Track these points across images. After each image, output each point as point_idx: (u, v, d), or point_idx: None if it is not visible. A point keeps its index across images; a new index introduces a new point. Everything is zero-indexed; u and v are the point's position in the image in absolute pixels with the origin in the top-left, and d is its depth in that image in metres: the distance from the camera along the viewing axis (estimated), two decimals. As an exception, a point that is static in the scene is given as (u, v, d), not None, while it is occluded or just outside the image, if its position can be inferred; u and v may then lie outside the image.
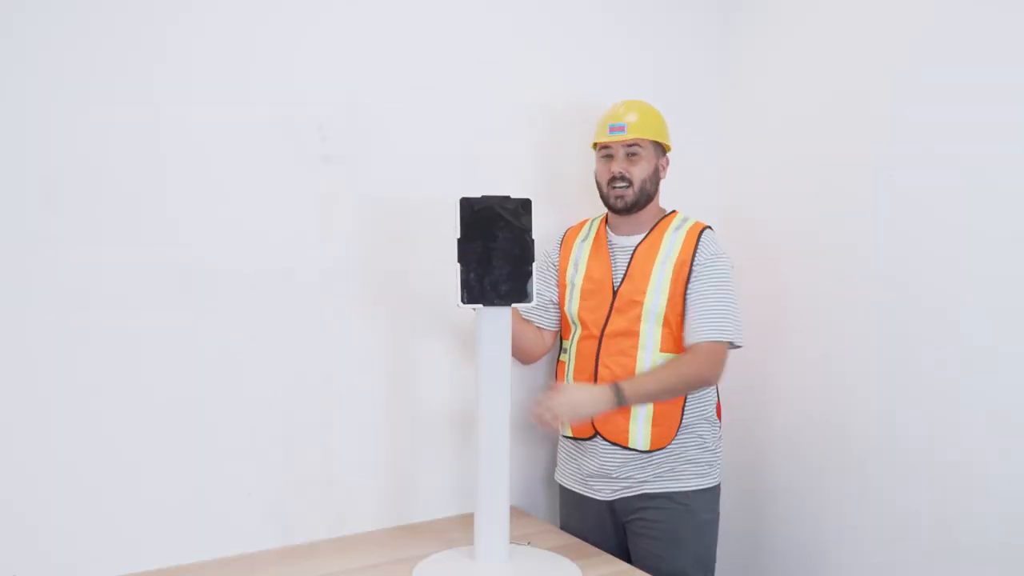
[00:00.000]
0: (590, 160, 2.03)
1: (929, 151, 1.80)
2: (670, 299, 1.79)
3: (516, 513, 1.95)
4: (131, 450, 1.64)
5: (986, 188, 1.70)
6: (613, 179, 1.84)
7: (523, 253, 1.60)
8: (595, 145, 1.91)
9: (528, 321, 1.95)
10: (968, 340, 1.74)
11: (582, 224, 1.99)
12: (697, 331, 1.78)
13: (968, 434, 1.74)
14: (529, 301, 1.60)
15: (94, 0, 1.56)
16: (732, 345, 1.80)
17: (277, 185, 1.77)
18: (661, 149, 1.88)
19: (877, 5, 1.92)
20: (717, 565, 1.95)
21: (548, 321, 1.97)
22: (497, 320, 1.61)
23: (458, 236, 1.57)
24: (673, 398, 1.81)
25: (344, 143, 1.84)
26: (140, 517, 1.66)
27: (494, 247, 1.58)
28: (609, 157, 1.86)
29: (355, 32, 1.83)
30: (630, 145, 1.83)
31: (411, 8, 1.89)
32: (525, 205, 1.60)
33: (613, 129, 1.84)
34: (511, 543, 1.70)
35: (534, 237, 1.61)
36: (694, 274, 1.80)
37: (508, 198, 1.59)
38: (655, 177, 1.86)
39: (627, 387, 1.74)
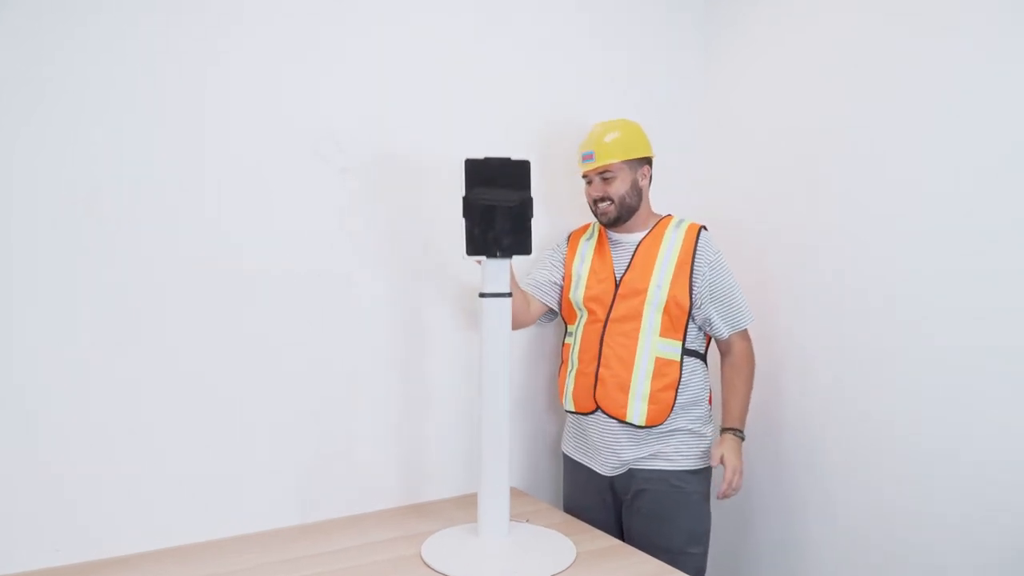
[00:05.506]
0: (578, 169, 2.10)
1: (894, 157, 1.85)
2: (672, 291, 1.88)
3: (516, 494, 2.02)
4: (164, 434, 1.71)
5: (953, 192, 1.74)
6: (595, 201, 1.95)
7: (523, 209, 1.67)
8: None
9: (517, 287, 1.93)
10: (940, 338, 1.77)
11: (585, 227, 2.09)
12: (725, 328, 1.95)
13: (945, 431, 1.77)
14: (528, 254, 1.68)
15: (139, 26, 1.64)
16: None
17: (303, 194, 1.84)
18: (638, 162, 1.93)
19: (847, 24, 1.97)
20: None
21: (545, 297, 2.04)
22: (499, 271, 1.69)
23: (463, 194, 1.64)
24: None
25: (360, 157, 1.91)
26: (171, 496, 1.72)
27: (496, 204, 1.65)
28: (590, 182, 1.96)
29: (370, 62, 1.90)
30: (602, 171, 1.92)
31: (415, 37, 1.96)
32: (524, 165, 1.67)
33: (585, 158, 1.94)
34: (511, 520, 1.77)
35: (533, 233, 1.68)
36: (705, 276, 1.90)
37: (509, 159, 1.66)
38: (635, 190, 1.93)
39: (738, 423, 1.97)
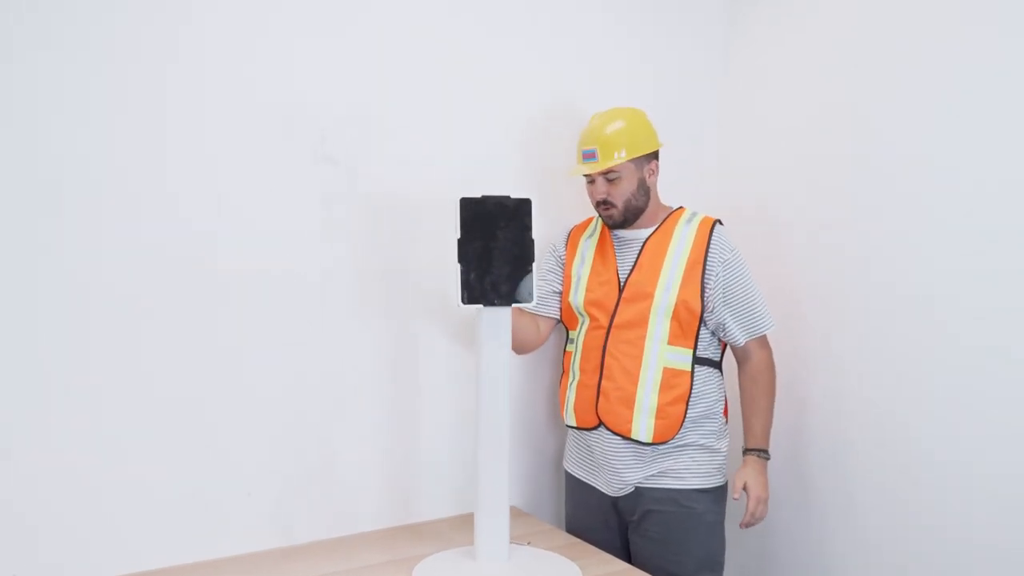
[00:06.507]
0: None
1: (916, 152, 1.83)
2: (681, 294, 1.79)
3: (517, 513, 1.97)
4: (132, 450, 1.64)
5: (973, 189, 1.73)
6: (598, 203, 1.85)
7: (523, 252, 1.60)
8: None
9: (524, 312, 1.92)
10: (962, 338, 1.75)
11: (587, 222, 2.00)
12: (742, 334, 1.85)
13: (967, 434, 1.75)
14: (529, 301, 1.61)
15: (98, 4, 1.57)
16: None
17: (280, 186, 1.78)
18: (645, 158, 1.84)
19: (878, 8, 1.94)
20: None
21: (548, 309, 1.97)
22: (498, 320, 1.62)
23: (458, 236, 1.57)
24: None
25: (345, 145, 1.85)
26: (140, 517, 1.65)
27: (494, 247, 1.58)
28: (591, 181, 1.85)
29: (356, 40, 1.85)
30: (605, 172, 1.81)
31: (409, 14, 1.90)
32: (525, 204, 1.60)
33: (585, 156, 1.82)
34: (511, 543, 1.71)
35: (534, 237, 1.61)
36: (718, 277, 1.81)
37: (508, 198, 1.59)
38: (642, 189, 1.84)
39: (761, 443, 1.87)
